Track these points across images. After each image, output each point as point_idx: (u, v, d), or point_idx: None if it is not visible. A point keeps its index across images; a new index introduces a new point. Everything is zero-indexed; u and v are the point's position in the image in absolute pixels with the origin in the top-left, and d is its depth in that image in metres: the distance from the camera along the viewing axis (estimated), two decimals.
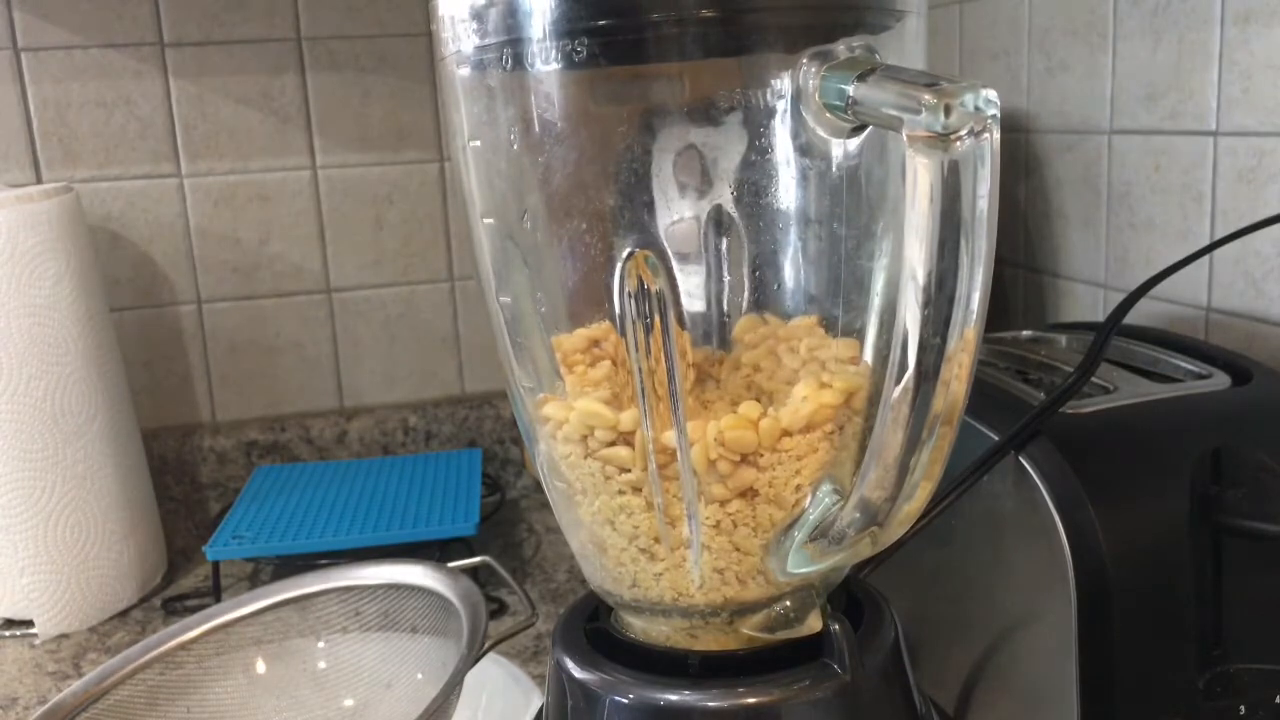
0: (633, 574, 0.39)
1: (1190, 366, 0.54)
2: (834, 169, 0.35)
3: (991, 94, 0.29)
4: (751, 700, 0.36)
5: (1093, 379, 0.51)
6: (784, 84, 0.33)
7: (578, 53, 0.33)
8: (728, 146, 0.34)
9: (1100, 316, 0.77)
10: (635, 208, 0.35)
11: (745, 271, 0.36)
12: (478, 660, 0.47)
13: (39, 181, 0.92)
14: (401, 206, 0.99)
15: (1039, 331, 0.65)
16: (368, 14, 0.95)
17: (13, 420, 0.75)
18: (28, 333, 0.75)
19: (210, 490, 0.98)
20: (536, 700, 0.59)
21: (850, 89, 0.31)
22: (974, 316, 0.30)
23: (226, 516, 0.85)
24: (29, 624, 0.79)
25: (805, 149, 0.34)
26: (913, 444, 0.32)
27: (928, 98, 0.28)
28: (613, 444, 0.37)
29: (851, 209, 0.36)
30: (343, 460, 0.98)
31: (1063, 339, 0.63)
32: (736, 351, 0.37)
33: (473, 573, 0.68)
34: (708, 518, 0.36)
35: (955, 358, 0.31)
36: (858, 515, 0.34)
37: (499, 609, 0.77)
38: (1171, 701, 0.45)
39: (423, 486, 0.88)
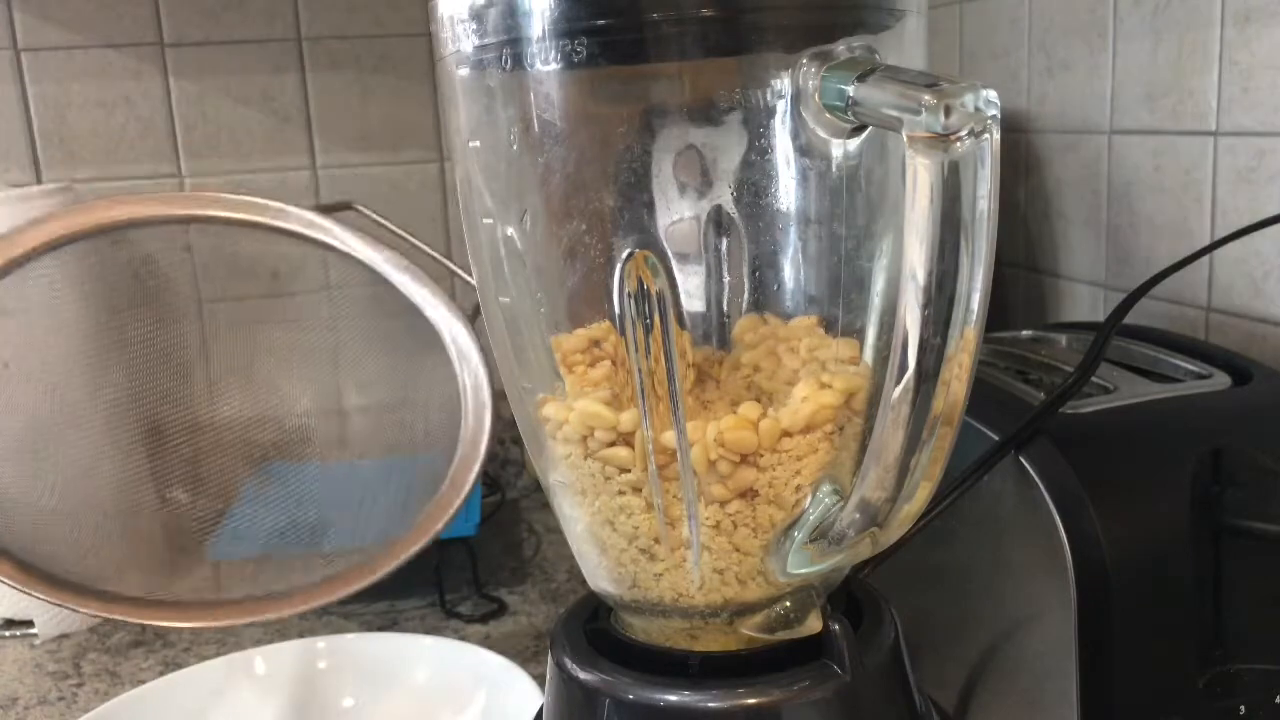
0: (632, 574, 0.39)
1: (1190, 366, 0.54)
2: (834, 169, 0.35)
3: (991, 94, 0.29)
4: (751, 700, 0.36)
5: (1093, 379, 0.51)
6: (784, 84, 0.33)
7: (577, 53, 0.33)
8: (728, 146, 0.34)
9: (1100, 316, 0.77)
10: (635, 208, 0.35)
11: (745, 271, 0.36)
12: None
13: (39, 181, 0.92)
14: (401, 206, 0.99)
15: (1039, 331, 0.65)
16: (368, 14, 0.95)
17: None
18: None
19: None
20: (537, 700, 0.59)
21: (850, 89, 0.31)
22: (974, 316, 0.30)
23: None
24: (29, 624, 0.79)
25: (805, 149, 0.34)
26: (913, 444, 0.32)
27: (928, 98, 0.28)
28: (613, 444, 0.37)
29: (851, 209, 0.36)
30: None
31: (1063, 339, 0.63)
32: (736, 351, 0.37)
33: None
34: (708, 518, 0.36)
35: (955, 358, 0.31)
36: (858, 516, 0.34)
37: (499, 609, 0.77)
38: (1171, 701, 0.45)
39: None
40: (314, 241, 0.58)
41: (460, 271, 0.57)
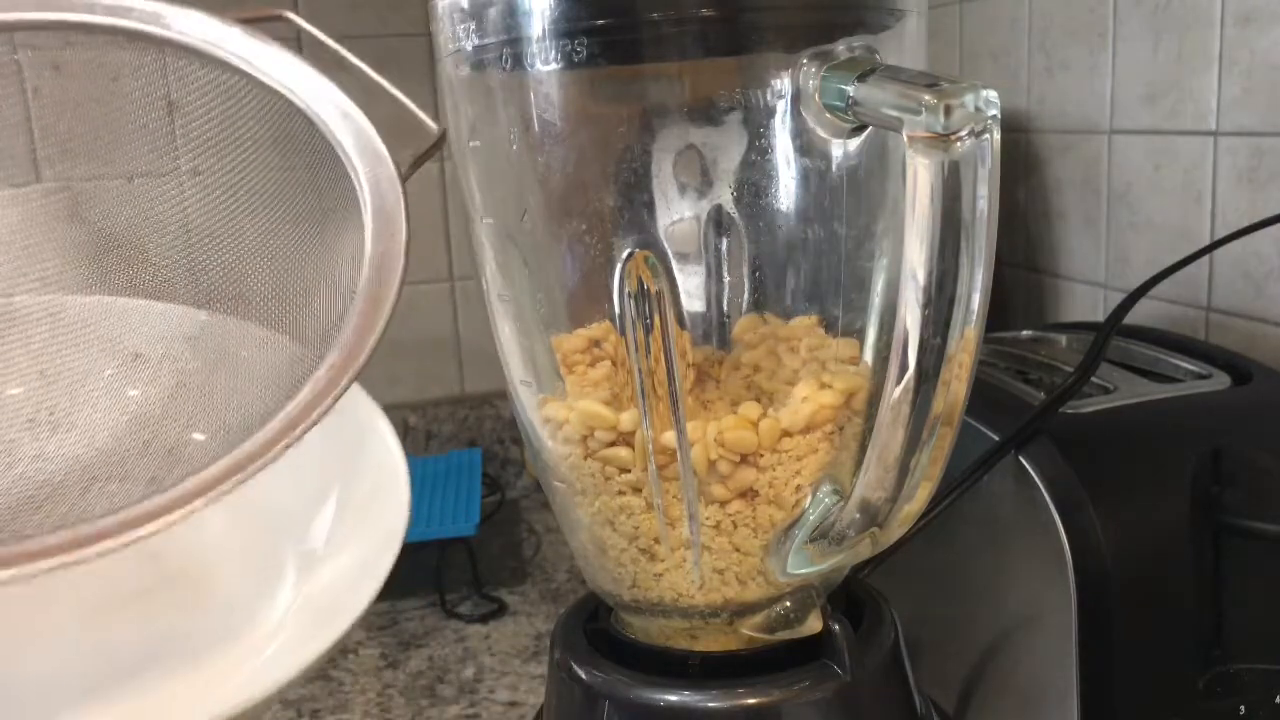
0: (633, 574, 0.39)
1: (1190, 366, 0.54)
2: (834, 169, 0.35)
3: (991, 94, 0.29)
4: (751, 701, 0.36)
5: (1093, 379, 0.51)
6: (784, 84, 0.33)
7: (577, 53, 0.33)
8: (728, 146, 0.34)
9: (1100, 316, 0.77)
10: (635, 208, 0.35)
11: (745, 271, 0.36)
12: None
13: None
14: None
15: (1039, 331, 0.65)
16: (368, 13, 0.95)
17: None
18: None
19: None
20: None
21: (850, 89, 0.31)
22: (974, 317, 0.31)
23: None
24: None
25: (805, 149, 0.34)
26: (913, 444, 0.32)
27: (928, 98, 0.28)
28: (613, 444, 0.37)
29: (851, 209, 0.36)
30: None
31: (1063, 339, 0.63)
32: (736, 351, 0.37)
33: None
34: (708, 518, 0.36)
35: (955, 358, 0.31)
36: (858, 516, 0.34)
37: (499, 609, 0.77)
38: (1171, 701, 0.45)
39: (423, 486, 0.88)
40: (215, 60, 0.44)
41: (415, 109, 0.47)
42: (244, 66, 0.43)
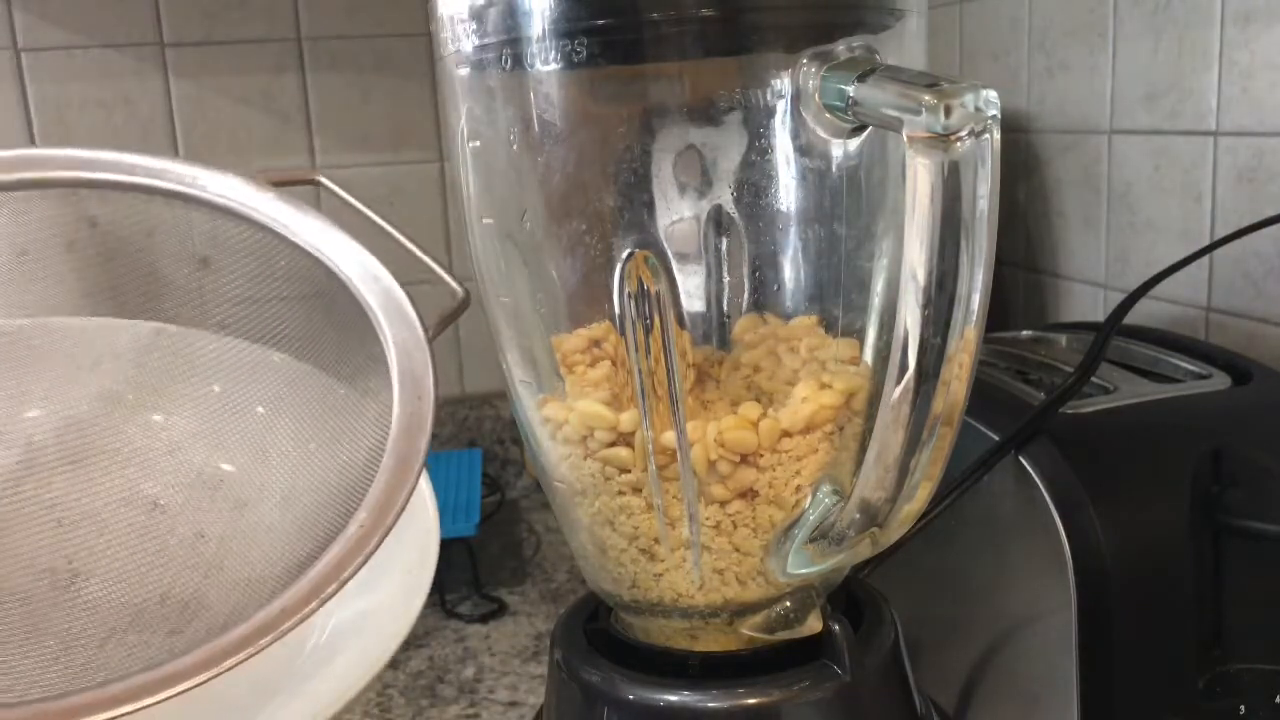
0: (633, 575, 0.39)
1: (1190, 366, 0.54)
2: (834, 169, 0.35)
3: (992, 94, 0.29)
4: (751, 701, 0.36)
5: (1093, 379, 0.51)
6: (784, 84, 0.33)
7: (577, 53, 0.33)
8: (728, 146, 0.34)
9: (1100, 316, 0.77)
10: (635, 208, 0.35)
11: (745, 271, 0.36)
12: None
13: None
14: (401, 206, 0.99)
15: (1039, 331, 0.65)
16: (368, 14, 0.95)
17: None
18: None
19: None
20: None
21: (850, 89, 0.31)
22: (974, 317, 0.31)
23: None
24: None
25: (805, 149, 0.34)
26: (913, 444, 0.32)
27: (928, 98, 0.28)
28: (613, 445, 0.37)
29: (851, 209, 0.36)
30: None
31: (1063, 339, 0.63)
32: (736, 351, 0.37)
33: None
34: (708, 518, 0.36)
35: (955, 358, 0.31)
36: (858, 516, 0.34)
37: (499, 609, 0.77)
38: (1171, 701, 0.45)
39: None
40: (248, 220, 0.45)
41: (441, 271, 0.48)
42: (276, 227, 0.44)
